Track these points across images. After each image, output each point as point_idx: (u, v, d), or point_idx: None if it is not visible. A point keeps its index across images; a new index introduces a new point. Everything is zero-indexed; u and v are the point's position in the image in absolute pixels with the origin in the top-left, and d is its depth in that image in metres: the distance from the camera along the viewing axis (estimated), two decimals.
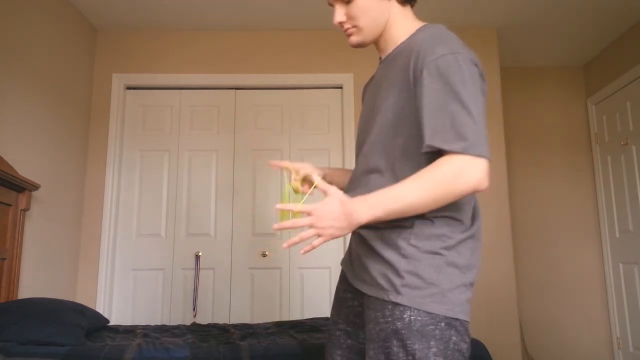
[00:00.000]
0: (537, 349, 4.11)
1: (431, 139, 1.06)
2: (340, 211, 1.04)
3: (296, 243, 1.06)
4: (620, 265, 3.98)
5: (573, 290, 4.17)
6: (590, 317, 4.12)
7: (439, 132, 1.05)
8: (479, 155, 1.03)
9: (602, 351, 4.07)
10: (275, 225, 1.03)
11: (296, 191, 1.37)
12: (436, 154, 1.11)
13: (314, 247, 1.05)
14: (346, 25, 1.26)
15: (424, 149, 1.08)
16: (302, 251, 1.07)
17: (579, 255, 4.21)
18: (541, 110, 4.43)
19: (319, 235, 1.05)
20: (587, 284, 4.17)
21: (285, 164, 1.36)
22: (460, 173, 1.02)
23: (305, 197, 1.26)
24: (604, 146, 4.17)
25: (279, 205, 1.08)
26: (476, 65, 1.11)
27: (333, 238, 1.06)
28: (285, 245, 1.06)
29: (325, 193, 1.09)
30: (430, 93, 1.07)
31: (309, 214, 1.05)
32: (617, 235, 4.01)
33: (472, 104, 1.05)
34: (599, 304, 4.14)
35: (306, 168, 1.37)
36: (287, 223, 1.06)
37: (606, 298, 4.14)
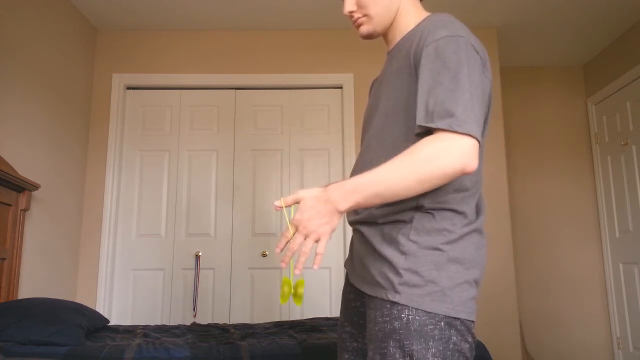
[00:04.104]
0: (537, 349, 4.10)
1: (421, 119, 1.02)
2: (318, 204, 1.02)
3: (291, 257, 1.03)
4: (620, 265, 3.98)
5: (573, 290, 4.17)
6: (590, 317, 4.12)
7: (429, 111, 1.00)
8: (466, 134, 0.97)
9: (602, 351, 4.07)
10: (280, 254, 1.04)
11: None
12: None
13: (321, 255, 1.01)
14: (356, 15, 1.23)
15: (416, 130, 1.04)
16: (314, 267, 1.02)
17: (579, 255, 4.21)
18: (541, 110, 4.43)
19: (317, 241, 1.02)
20: (587, 283, 4.17)
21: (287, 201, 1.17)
22: (443, 151, 0.96)
23: (288, 216, 1.18)
24: (604, 146, 4.17)
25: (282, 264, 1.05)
26: (477, 51, 1.07)
27: (329, 232, 1.02)
28: (283, 264, 1.04)
29: (296, 200, 1.06)
30: (426, 73, 1.04)
31: (296, 227, 1.03)
32: (617, 235, 4.01)
33: (466, 83, 1.00)
34: (599, 304, 4.14)
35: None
36: (288, 252, 1.04)
37: (606, 298, 4.14)
